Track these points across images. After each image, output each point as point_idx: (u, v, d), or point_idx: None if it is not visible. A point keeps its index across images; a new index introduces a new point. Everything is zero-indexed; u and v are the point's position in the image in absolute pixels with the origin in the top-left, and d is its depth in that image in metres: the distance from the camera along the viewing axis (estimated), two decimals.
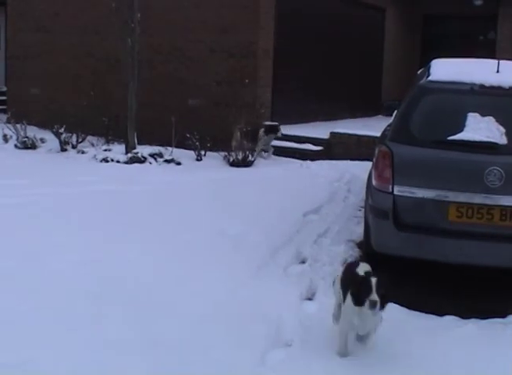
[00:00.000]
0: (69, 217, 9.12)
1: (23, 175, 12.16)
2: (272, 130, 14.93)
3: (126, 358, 5.32)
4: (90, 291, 6.46)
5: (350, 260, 7.35)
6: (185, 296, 6.48)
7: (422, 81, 7.58)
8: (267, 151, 15.13)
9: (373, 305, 5.01)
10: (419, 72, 8.85)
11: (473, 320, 6.40)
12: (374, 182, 7.12)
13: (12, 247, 7.64)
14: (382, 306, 5.13)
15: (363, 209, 9.27)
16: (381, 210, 7.00)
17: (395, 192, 6.88)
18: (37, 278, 6.71)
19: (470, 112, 6.85)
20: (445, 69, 7.71)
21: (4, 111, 20.58)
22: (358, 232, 8.75)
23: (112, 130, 15.58)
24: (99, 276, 6.83)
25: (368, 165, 8.44)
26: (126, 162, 14.04)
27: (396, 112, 7.76)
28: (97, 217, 9.15)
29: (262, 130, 14.83)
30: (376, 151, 7.25)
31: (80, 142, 15.88)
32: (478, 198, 6.68)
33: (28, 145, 15.97)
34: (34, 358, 5.20)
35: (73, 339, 5.55)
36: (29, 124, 16.61)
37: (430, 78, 7.50)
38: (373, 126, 13.78)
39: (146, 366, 5.24)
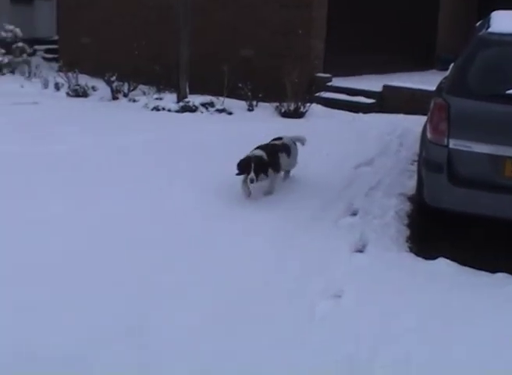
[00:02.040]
0: (122, 165, 9.21)
1: (74, 122, 12.27)
2: None
3: None
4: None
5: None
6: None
7: (481, 33, 7.38)
8: None
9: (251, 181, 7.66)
10: (478, 24, 8.60)
11: None
12: (429, 135, 7.00)
13: (65, 194, 7.77)
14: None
15: (415, 163, 9.19)
16: (435, 164, 6.89)
17: (450, 146, 6.75)
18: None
19: None
20: (505, 21, 7.49)
21: (56, 60, 20.77)
22: (410, 185, 8.66)
23: (163, 79, 15.59)
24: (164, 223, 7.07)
25: (421, 119, 8.31)
26: (177, 111, 14.07)
27: (452, 65, 7.59)
28: (150, 165, 9.22)
29: None
30: (432, 104, 7.11)
31: (132, 91, 15.97)
32: None
33: (79, 93, 16.13)
34: None
35: None
36: (80, 73, 16.75)
37: (490, 30, 7.29)
38: (427, 81, 13.54)
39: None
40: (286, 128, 10.56)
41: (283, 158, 8.29)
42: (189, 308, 5.39)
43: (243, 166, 7.70)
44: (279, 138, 8.63)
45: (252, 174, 7.59)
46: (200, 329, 5.12)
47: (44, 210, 7.19)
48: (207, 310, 5.37)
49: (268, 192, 8.10)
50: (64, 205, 7.40)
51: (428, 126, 7.10)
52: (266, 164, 7.77)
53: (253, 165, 7.59)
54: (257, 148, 8.04)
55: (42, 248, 6.23)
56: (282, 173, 8.56)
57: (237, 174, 7.76)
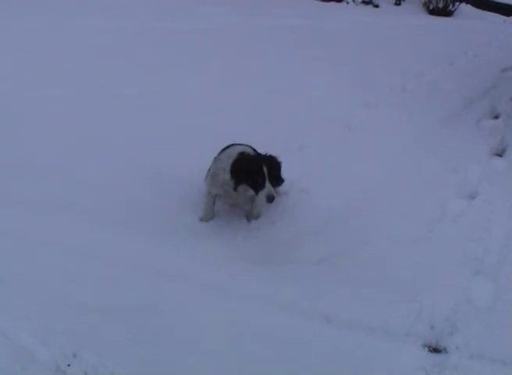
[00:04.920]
0: (263, 46, 9.21)
1: (219, 2, 12.25)
2: None
3: None
4: None
5: None
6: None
7: None
8: None
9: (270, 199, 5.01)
10: None
11: None
12: None
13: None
14: None
15: None
16: None
17: None
18: None
19: None
20: None
21: None
22: None
23: None
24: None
25: None
26: (323, 0, 13.85)
27: None
28: (291, 50, 9.19)
29: None
30: None
31: None
32: None
33: None
34: None
35: None
36: None
37: None
38: None
39: None
40: (434, 25, 10.23)
41: None
42: None
43: (251, 174, 4.95)
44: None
45: (270, 187, 4.91)
46: None
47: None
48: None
49: (257, 216, 5.47)
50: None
51: None
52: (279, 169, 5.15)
53: (267, 171, 4.90)
54: (231, 146, 5.31)
55: None
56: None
57: (235, 187, 5.04)
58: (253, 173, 4.89)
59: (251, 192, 5.00)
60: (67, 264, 4.25)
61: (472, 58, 9.59)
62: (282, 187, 5.54)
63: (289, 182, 5.53)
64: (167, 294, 4.21)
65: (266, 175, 4.84)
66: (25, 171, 5.34)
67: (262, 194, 4.88)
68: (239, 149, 5.10)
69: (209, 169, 5.23)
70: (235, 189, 5.00)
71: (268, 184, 4.85)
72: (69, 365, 3.53)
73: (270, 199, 4.84)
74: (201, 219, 5.34)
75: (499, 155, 6.55)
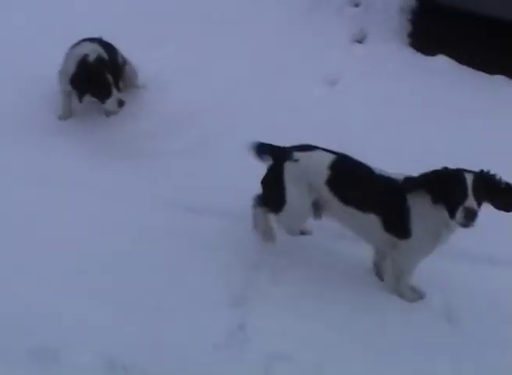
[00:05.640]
0: None
1: None
2: None
3: None
4: None
5: None
6: None
7: None
8: None
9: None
10: None
11: None
12: None
13: None
14: None
15: None
16: None
17: None
18: None
19: None
20: None
21: None
22: None
23: None
24: None
25: None
26: None
27: None
28: None
29: None
30: None
31: None
32: None
33: None
34: None
35: None
36: None
37: None
38: None
39: None
40: None
41: None
42: None
43: (94, 84, 4.74)
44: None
45: (117, 94, 4.76)
46: None
47: None
48: None
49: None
50: None
51: None
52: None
53: (112, 78, 4.75)
54: (82, 41, 5.06)
55: None
56: None
57: (79, 99, 4.87)
58: (95, 83, 4.71)
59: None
60: None
61: None
62: (140, 81, 5.44)
63: (147, 76, 5.39)
64: (29, 195, 4.11)
65: (112, 82, 4.67)
66: None
67: (110, 102, 4.75)
68: (85, 49, 4.87)
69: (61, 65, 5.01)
70: (80, 100, 4.82)
71: (114, 91, 4.71)
72: None
73: (121, 104, 4.74)
74: (60, 118, 5.22)
75: (360, 41, 6.60)
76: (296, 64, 5.92)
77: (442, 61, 6.28)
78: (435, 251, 3.63)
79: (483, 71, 6.28)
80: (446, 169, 3.40)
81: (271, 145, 3.82)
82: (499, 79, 6.21)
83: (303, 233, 4.10)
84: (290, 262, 3.97)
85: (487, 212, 3.38)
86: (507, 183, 3.40)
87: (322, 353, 3.42)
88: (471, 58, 6.41)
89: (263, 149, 3.82)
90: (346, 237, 3.97)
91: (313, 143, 3.82)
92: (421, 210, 3.50)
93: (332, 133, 4.86)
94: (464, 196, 3.26)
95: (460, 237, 3.57)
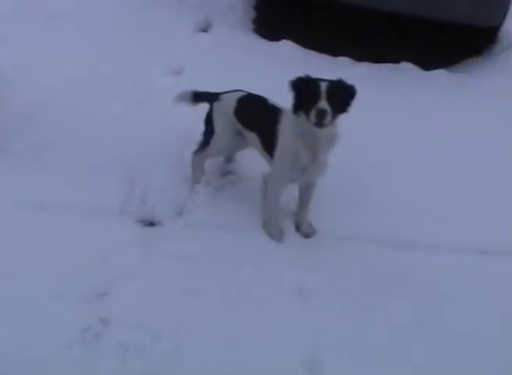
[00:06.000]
0: None
1: None
2: None
3: None
4: None
5: None
6: None
7: None
8: None
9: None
10: None
11: (366, 63, 6.39)
12: None
13: None
14: None
15: None
16: None
17: None
18: None
19: None
20: None
21: None
22: None
23: None
24: None
25: None
26: None
27: None
28: None
29: None
30: None
31: None
32: None
33: None
34: None
35: None
36: None
37: None
38: None
39: None
40: None
41: None
42: None
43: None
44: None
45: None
46: None
47: None
48: None
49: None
50: None
51: None
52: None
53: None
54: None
55: None
56: None
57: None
58: None
59: None
60: None
61: None
62: None
63: None
64: None
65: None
66: None
67: None
68: None
69: None
70: None
71: None
72: None
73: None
74: None
75: (205, 30, 6.55)
76: (139, 55, 5.83)
77: (286, 45, 6.36)
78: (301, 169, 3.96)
79: (327, 54, 6.39)
80: (306, 76, 3.84)
81: (206, 92, 4.50)
82: (344, 60, 6.35)
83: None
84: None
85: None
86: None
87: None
88: (316, 42, 6.50)
89: (200, 96, 4.50)
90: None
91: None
92: (286, 128, 4.00)
93: (176, 122, 4.89)
94: (317, 99, 3.67)
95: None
